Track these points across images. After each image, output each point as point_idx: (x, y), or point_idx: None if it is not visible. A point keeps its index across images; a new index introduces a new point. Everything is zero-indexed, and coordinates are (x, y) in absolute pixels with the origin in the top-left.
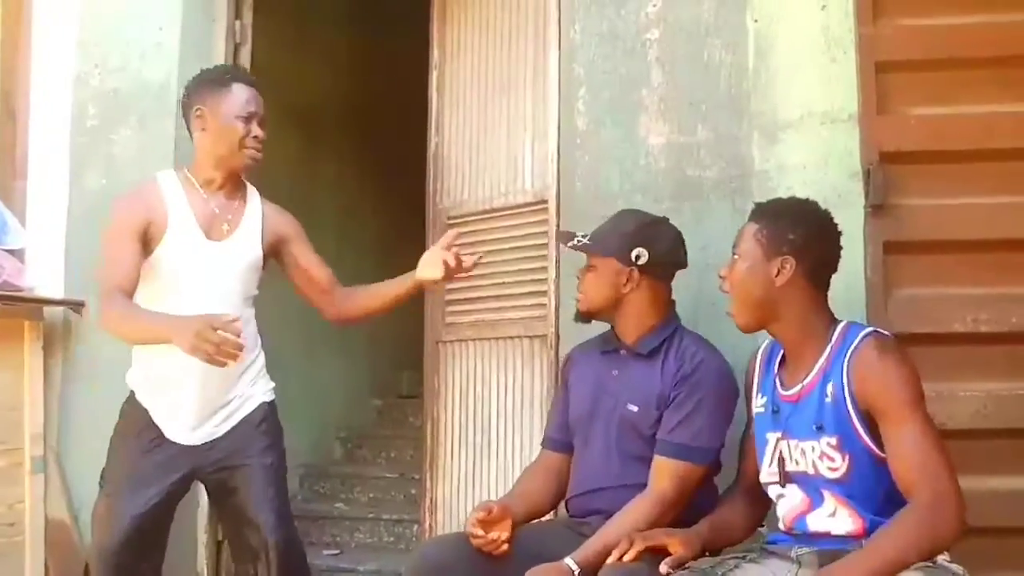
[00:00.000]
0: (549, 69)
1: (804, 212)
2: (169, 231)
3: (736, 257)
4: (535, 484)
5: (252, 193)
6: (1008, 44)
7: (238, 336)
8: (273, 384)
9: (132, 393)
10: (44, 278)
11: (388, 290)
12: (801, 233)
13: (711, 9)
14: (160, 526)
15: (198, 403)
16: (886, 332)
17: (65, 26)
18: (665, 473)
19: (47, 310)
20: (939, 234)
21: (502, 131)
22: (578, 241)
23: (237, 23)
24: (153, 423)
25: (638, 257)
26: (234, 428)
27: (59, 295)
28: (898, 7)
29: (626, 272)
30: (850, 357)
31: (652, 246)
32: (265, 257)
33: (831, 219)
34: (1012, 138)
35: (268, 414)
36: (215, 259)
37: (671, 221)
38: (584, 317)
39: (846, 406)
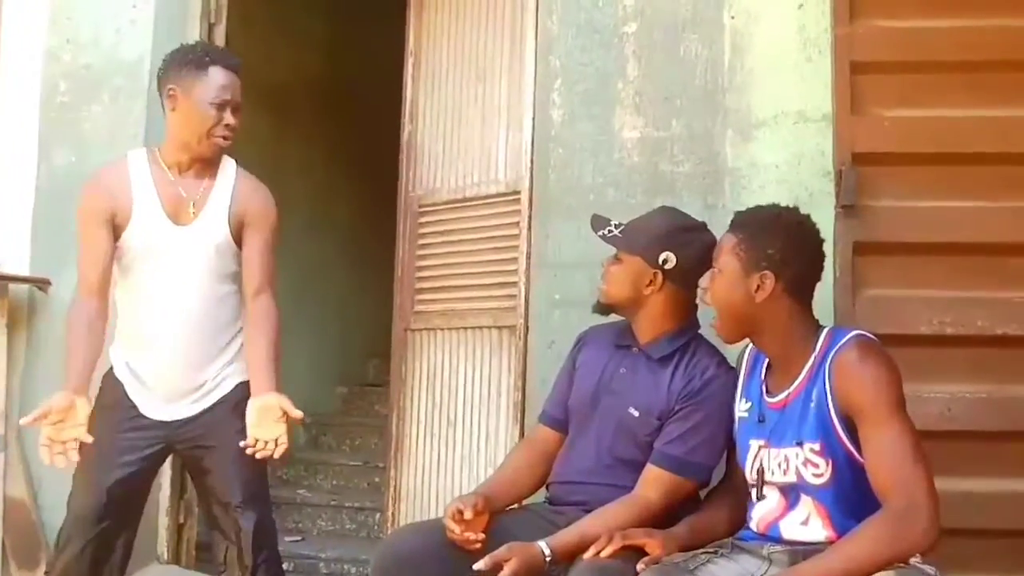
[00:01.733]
0: (525, 60)
1: (784, 225)
2: (135, 217)
3: (716, 271)
4: (521, 465)
5: (226, 170)
6: (982, 48)
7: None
8: None
9: (111, 367)
10: (10, 255)
11: (250, 369)
12: (780, 247)
13: (688, 5)
14: (134, 496)
15: (172, 380)
16: (871, 335)
17: (37, 0)
18: (654, 482)
19: (12, 287)
20: (909, 236)
21: (476, 120)
22: (608, 231)
23: (212, 2)
24: (128, 398)
25: (665, 261)
26: (210, 408)
27: (25, 272)
28: (874, 9)
29: (650, 274)
30: (831, 361)
31: (681, 252)
32: (236, 236)
33: (812, 229)
34: (984, 142)
35: (246, 394)
36: (182, 244)
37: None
38: (603, 309)
39: (828, 411)
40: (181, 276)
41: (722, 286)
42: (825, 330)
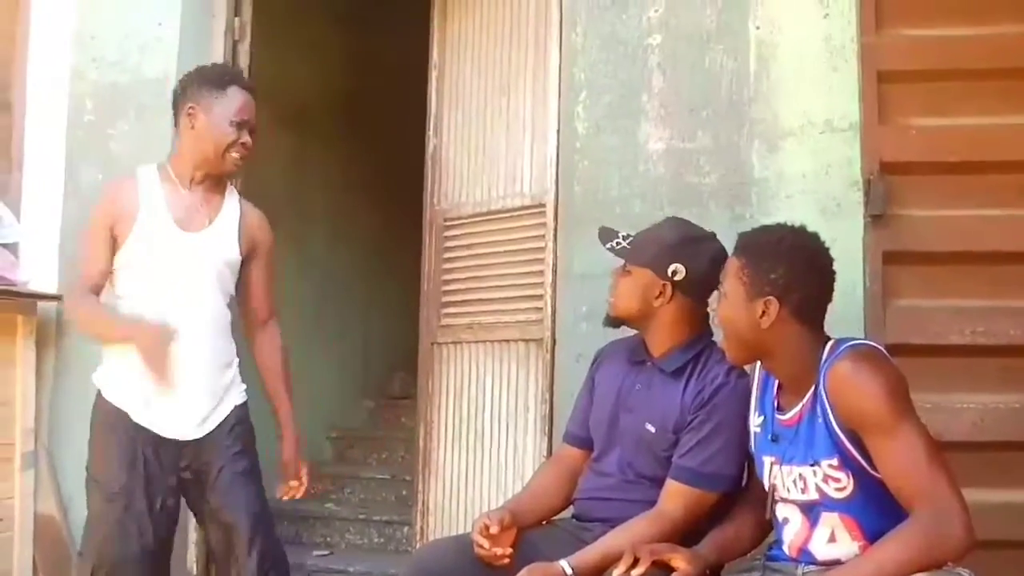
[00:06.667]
0: (549, 72)
1: (788, 249)
2: (139, 223)
3: (722, 294)
4: (548, 483)
5: (231, 191)
6: (1010, 56)
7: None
8: (245, 386)
9: (100, 393)
10: (38, 273)
11: (274, 397)
12: (784, 272)
13: (713, 15)
14: (169, 530)
15: (188, 392)
16: (869, 343)
17: (63, 19)
18: (674, 497)
19: (40, 305)
20: (938, 245)
21: (501, 134)
22: (616, 243)
23: (236, 20)
24: (135, 424)
25: (674, 273)
26: (213, 431)
27: (53, 290)
28: (901, 17)
29: (659, 285)
30: (826, 376)
31: (690, 263)
32: (242, 257)
33: (818, 251)
34: (1013, 150)
35: (241, 418)
36: (191, 251)
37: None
38: (614, 323)
39: (833, 427)
40: (192, 285)
41: (727, 310)
42: (829, 343)
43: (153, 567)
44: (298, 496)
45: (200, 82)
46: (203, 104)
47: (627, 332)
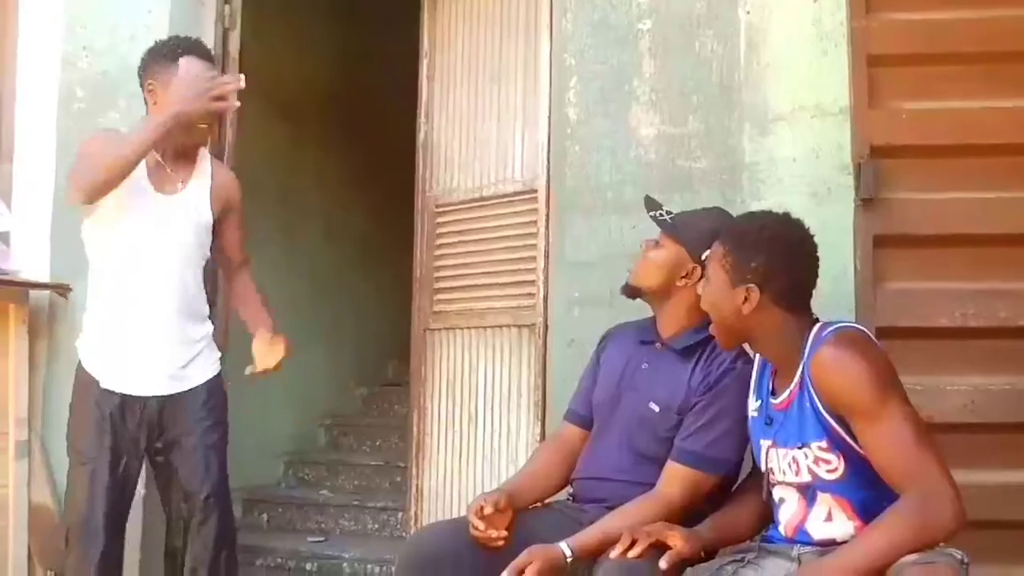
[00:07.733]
0: (540, 58)
1: (770, 237)
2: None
3: (706, 279)
4: (547, 463)
5: (203, 156)
6: (1000, 39)
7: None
8: (219, 354)
9: (80, 362)
10: (29, 262)
11: (248, 316)
12: (764, 261)
13: (703, 0)
14: (129, 492)
15: (157, 345)
16: (854, 326)
17: (53, 7)
18: (675, 479)
19: (32, 294)
20: (929, 228)
21: (492, 120)
22: (660, 214)
23: (226, 7)
24: (103, 389)
25: (706, 259)
26: (185, 395)
27: (45, 278)
28: (890, 1)
29: (689, 266)
30: (811, 361)
31: None
32: (215, 217)
33: (802, 239)
34: (1003, 133)
35: (214, 389)
36: (167, 213)
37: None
38: (631, 292)
39: (820, 411)
40: (164, 245)
41: (711, 296)
42: (815, 327)
43: (114, 529)
44: (270, 367)
45: (153, 58)
46: (160, 80)
47: (637, 315)
